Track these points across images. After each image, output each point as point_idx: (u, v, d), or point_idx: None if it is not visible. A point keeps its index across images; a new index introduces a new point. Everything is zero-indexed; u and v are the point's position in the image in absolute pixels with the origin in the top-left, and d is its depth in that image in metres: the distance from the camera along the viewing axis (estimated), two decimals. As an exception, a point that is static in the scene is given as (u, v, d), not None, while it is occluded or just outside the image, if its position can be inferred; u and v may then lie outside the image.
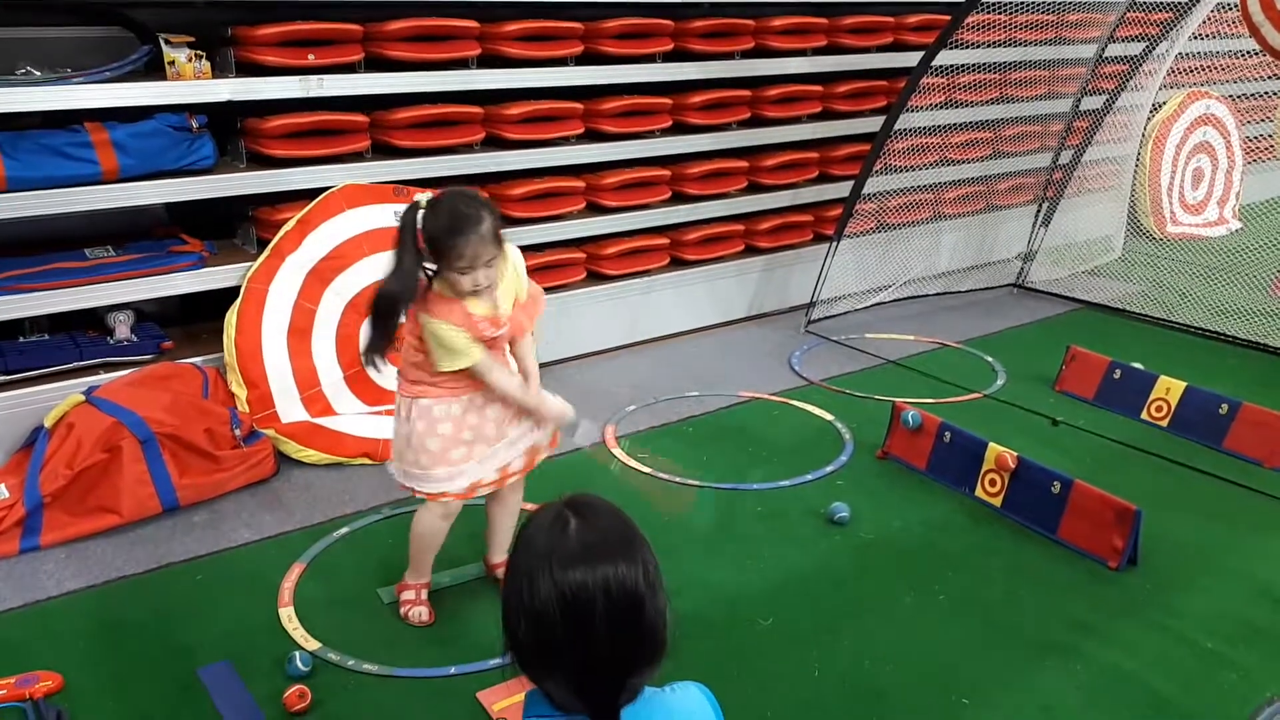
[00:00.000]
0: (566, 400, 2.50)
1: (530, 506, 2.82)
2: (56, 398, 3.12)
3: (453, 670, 2.33)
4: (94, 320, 3.44)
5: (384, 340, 2.30)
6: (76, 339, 3.37)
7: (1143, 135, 6.03)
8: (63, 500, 2.87)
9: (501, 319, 2.34)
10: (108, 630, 2.47)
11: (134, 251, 3.44)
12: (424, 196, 2.26)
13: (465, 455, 2.39)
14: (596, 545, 1.25)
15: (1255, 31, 4.14)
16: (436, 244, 2.21)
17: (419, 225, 2.21)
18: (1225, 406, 3.56)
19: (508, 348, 2.47)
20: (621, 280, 4.46)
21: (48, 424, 3.01)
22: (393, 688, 2.28)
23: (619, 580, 1.23)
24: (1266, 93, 5.89)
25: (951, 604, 2.63)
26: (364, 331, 2.36)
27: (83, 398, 3.04)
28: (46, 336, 3.38)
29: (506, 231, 3.92)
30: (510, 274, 2.38)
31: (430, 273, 2.29)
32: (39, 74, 3.19)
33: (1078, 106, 5.52)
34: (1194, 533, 2.99)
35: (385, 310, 2.26)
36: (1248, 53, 4.95)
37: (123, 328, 3.41)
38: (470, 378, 2.35)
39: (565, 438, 2.55)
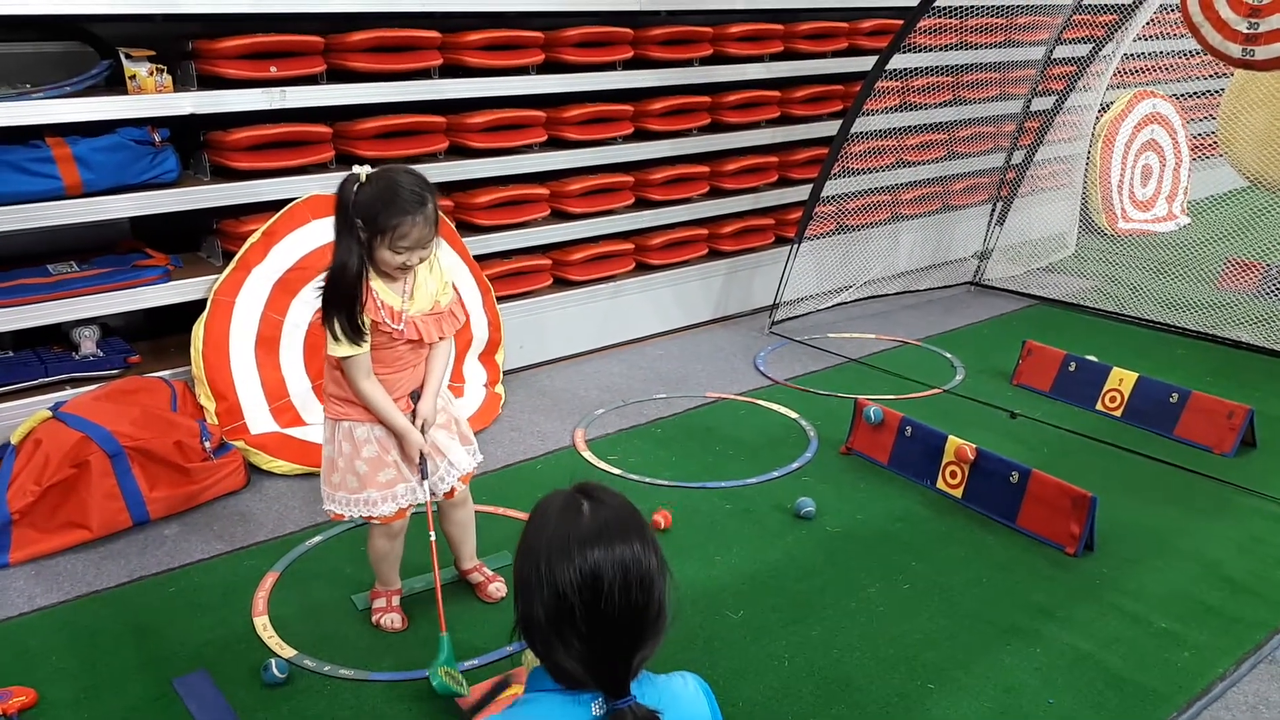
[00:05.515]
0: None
1: (501, 510, 2.85)
2: (22, 414, 3.11)
3: (429, 673, 2.35)
4: (59, 336, 3.43)
5: (354, 319, 2.23)
6: (41, 355, 3.36)
7: (1092, 134, 6.17)
8: (31, 517, 2.86)
9: (403, 315, 2.30)
10: (81, 645, 2.47)
11: (98, 266, 3.43)
12: (362, 169, 2.20)
13: (395, 478, 2.40)
14: (612, 526, 1.31)
15: (1196, 32, 4.27)
16: (375, 219, 2.15)
17: (354, 198, 2.17)
18: (1176, 396, 3.67)
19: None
20: (588, 286, 4.51)
21: (14, 440, 3.00)
22: (370, 692, 2.31)
23: (635, 559, 1.29)
24: (1210, 91, 6.05)
25: (915, 593, 2.70)
26: (329, 315, 2.25)
27: (50, 413, 3.03)
28: (10, 354, 3.37)
29: (471, 241, 4.03)
30: (435, 276, 2.35)
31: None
32: (-2, 90, 3.19)
33: (1029, 107, 5.65)
34: (1147, 518, 3.09)
35: (348, 284, 2.20)
36: (1191, 52, 5.09)
37: (88, 343, 3.40)
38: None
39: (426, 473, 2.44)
